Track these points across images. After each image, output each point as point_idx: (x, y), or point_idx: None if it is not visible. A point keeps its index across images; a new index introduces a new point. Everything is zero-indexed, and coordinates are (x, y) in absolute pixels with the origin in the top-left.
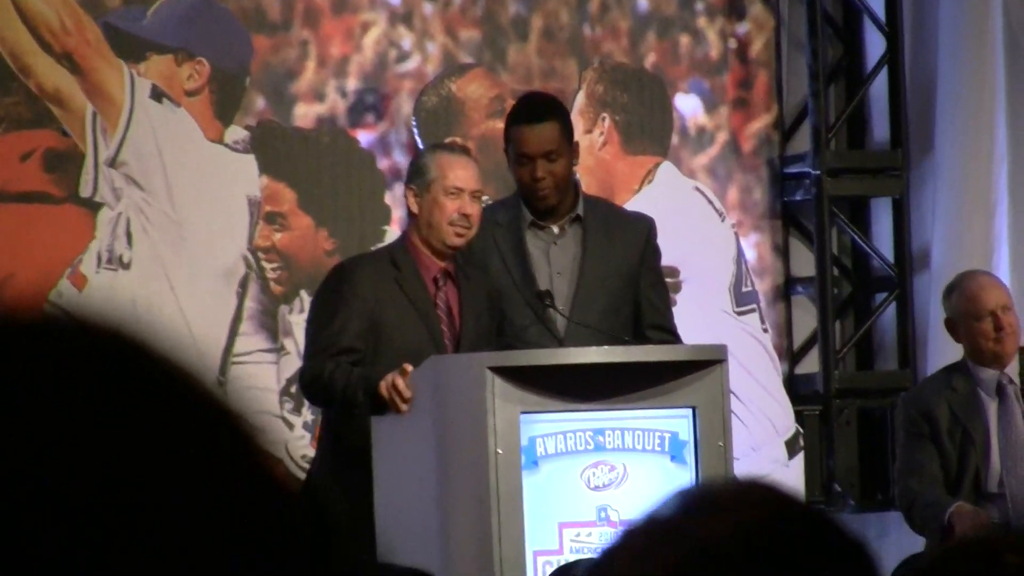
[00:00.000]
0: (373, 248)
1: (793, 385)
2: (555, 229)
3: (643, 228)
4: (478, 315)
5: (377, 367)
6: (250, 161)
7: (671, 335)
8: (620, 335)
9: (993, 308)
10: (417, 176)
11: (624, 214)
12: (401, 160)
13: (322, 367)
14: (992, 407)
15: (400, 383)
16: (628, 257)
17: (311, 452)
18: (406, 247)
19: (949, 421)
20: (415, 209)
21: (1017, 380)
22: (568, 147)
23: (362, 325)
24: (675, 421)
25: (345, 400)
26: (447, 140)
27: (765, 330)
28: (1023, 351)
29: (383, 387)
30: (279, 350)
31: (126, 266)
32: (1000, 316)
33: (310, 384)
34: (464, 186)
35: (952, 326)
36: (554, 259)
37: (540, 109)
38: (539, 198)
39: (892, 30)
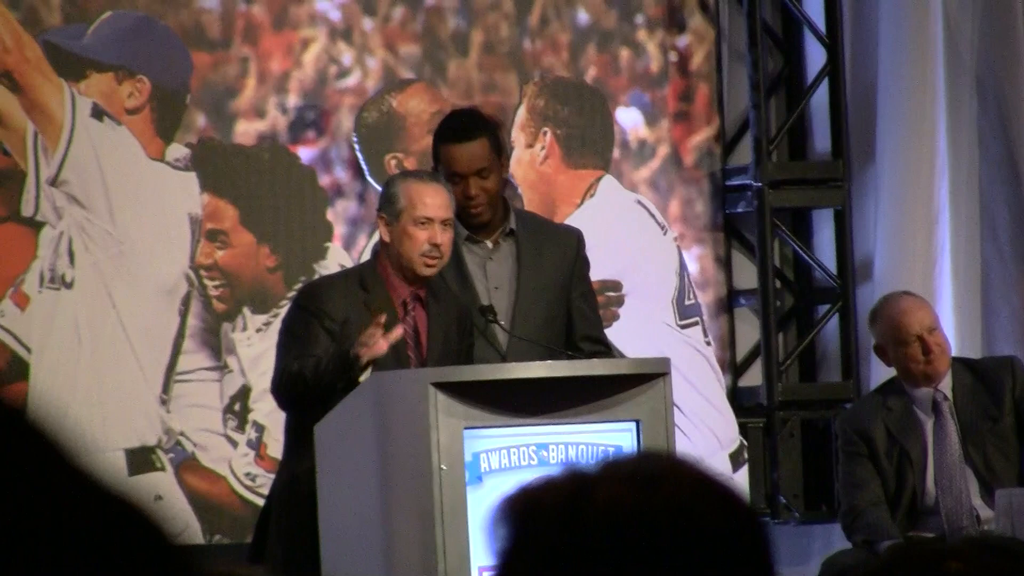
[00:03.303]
0: (315, 264)
1: (736, 397)
2: (489, 244)
3: (572, 240)
4: (446, 338)
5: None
6: (191, 179)
7: (603, 346)
8: (559, 347)
9: (919, 332)
10: (388, 205)
11: (553, 226)
12: (342, 176)
13: (289, 365)
14: (928, 425)
15: (373, 329)
16: (560, 269)
17: (255, 469)
18: (376, 269)
19: (886, 441)
20: (387, 238)
21: (950, 395)
22: (498, 162)
23: (329, 342)
24: (619, 435)
25: (318, 377)
26: (388, 156)
27: (708, 343)
28: (956, 361)
29: (358, 345)
30: (222, 368)
31: (68, 285)
32: (927, 338)
33: (280, 382)
34: (434, 215)
35: (881, 352)
36: (491, 274)
37: (468, 126)
38: (473, 215)
39: (832, 41)
